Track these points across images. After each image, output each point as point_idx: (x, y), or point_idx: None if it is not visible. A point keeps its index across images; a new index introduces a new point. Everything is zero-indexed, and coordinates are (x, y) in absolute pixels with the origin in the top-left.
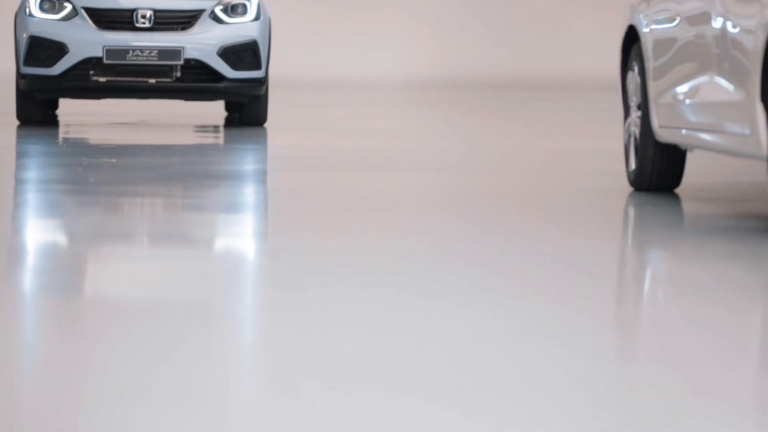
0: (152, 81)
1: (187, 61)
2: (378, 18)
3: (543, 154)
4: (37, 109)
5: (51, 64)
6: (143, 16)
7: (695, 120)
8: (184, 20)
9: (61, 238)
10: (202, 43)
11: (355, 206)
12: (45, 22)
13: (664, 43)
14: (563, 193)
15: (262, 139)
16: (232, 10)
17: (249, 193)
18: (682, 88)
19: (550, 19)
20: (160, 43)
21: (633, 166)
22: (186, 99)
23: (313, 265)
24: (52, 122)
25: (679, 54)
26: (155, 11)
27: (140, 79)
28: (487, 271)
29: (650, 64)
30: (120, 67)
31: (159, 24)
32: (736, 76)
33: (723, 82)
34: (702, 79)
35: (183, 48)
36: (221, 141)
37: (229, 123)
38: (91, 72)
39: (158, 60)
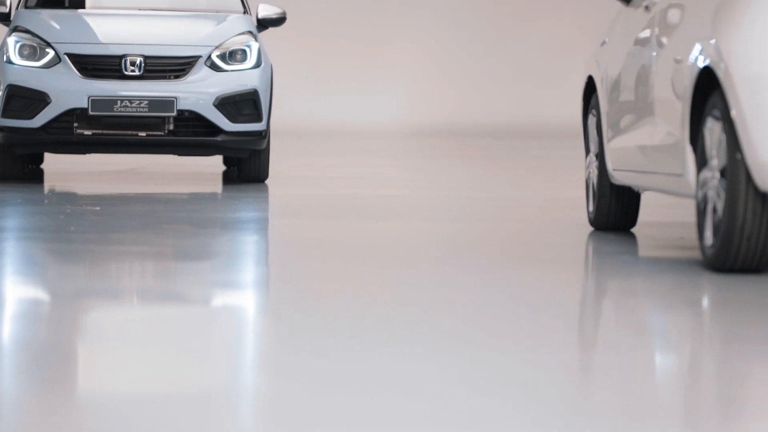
0: (142, 134)
1: (181, 112)
2: (377, 67)
3: (539, 202)
4: (17, 164)
5: (31, 116)
6: (132, 64)
7: (640, 162)
8: (178, 68)
9: (36, 303)
10: (197, 92)
11: (353, 256)
12: (25, 69)
13: (614, 92)
14: (557, 243)
15: (261, 186)
16: (230, 56)
17: (248, 242)
18: (629, 133)
19: (549, 71)
20: (151, 93)
21: (592, 207)
22: (180, 154)
23: (310, 318)
24: (36, 177)
25: (626, 102)
26: (146, 58)
27: (129, 133)
28: (482, 326)
29: (604, 111)
30: (107, 119)
31: (150, 72)
32: (670, 121)
33: (660, 127)
34: (644, 125)
35: (176, 98)
36: (218, 189)
37: (228, 179)
38: (75, 124)
39: (149, 111)
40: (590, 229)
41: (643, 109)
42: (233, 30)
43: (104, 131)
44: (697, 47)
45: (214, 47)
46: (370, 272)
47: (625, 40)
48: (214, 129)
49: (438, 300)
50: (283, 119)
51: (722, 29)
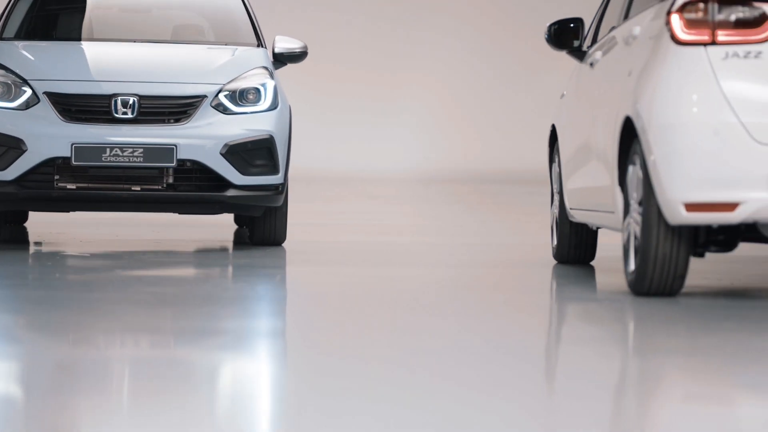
0: (136, 189)
1: (182, 162)
2: (388, 113)
3: (535, 247)
4: None
5: (3, 167)
6: (125, 105)
7: (587, 202)
8: (179, 110)
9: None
10: (201, 139)
11: (347, 304)
12: None
13: (569, 139)
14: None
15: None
16: (241, 96)
17: (262, 292)
18: (579, 176)
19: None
20: (147, 140)
21: (555, 242)
22: (181, 212)
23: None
24: (18, 239)
25: (577, 148)
26: (140, 98)
27: (120, 187)
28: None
29: (563, 157)
30: (93, 170)
31: (145, 114)
32: (605, 165)
33: (599, 170)
34: (589, 169)
35: (176, 146)
36: (228, 242)
37: (239, 239)
38: (56, 177)
39: (144, 162)
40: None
41: (588, 155)
42: (245, 65)
43: (90, 185)
44: (623, 103)
45: (222, 85)
46: (367, 320)
47: (577, 93)
48: (221, 182)
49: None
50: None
51: (640, 88)
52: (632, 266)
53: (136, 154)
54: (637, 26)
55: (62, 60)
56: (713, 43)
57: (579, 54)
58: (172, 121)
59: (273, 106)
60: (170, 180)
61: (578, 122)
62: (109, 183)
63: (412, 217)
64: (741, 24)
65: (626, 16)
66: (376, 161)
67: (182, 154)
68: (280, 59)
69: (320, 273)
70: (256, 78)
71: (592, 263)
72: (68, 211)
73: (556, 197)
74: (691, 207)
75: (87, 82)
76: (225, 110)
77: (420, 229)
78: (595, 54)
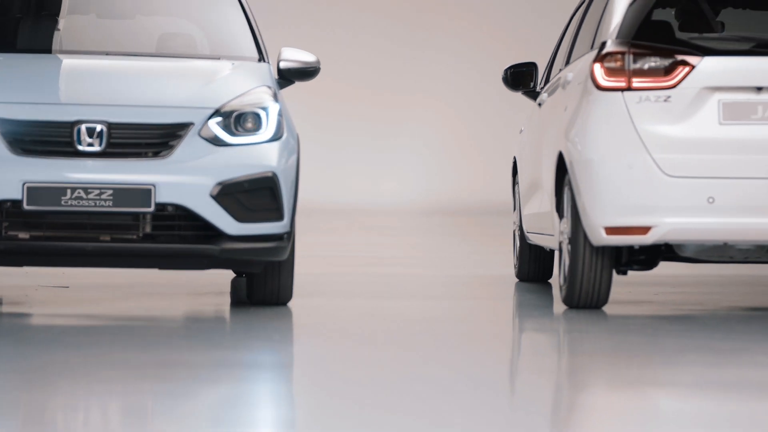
0: (105, 239)
1: (162, 207)
2: (386, 146)
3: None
4: None
5: None
6: (91, 134)
7: (537, 226)
8: (159, 140)
9: None
10: (186, 177)
11: (326, 337)
12: None
13: (524, 170)
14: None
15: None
16: (237, 123)
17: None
18: (532, 203)
19: None
20: (118, 179)
21: (516, 263)
22: (161, 267)
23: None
24: None
25: (530, 178)
26: (110, 126)
27: (85, 237)
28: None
29: (520, 186)
30: (51, 217)
31: (116, 147)
32: (547, 193)
33: (544, 198)
34: (537, 196)
35: (155, 186)
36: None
37: (236, 291)
38: (5, 224)
39: (114, 206)
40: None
41: (537, 184)
42: (243, 84)
43: (47, 235)
44: (558, 139)
45: (213, 110)
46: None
47: (530, 130)
48: (211, 232)
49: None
50: None
51: (569, 127)
52: (563, 281)
53: (104, 196)
54: (571, 72)
55: (15, 77)
56: (629, 88)
57: (533, 94)
58: (149, 154)
59: (277, 136)
60: (147, 229)
61: (531, 156)
62: (71, 232)
63: (405, 249)
64: (652, 72)
65: (568, 62)
66: (378, 192)
67: (162, 197)
68: (287, 76)
69: (295, 306)
70: (255, 100)
71: (549, 281)
72: (20, 266)
73: (517, 223)
74: (610, 230)
75: (44, 105)
76: (217, 141)
77: (409, 261)
78: (543, 95)
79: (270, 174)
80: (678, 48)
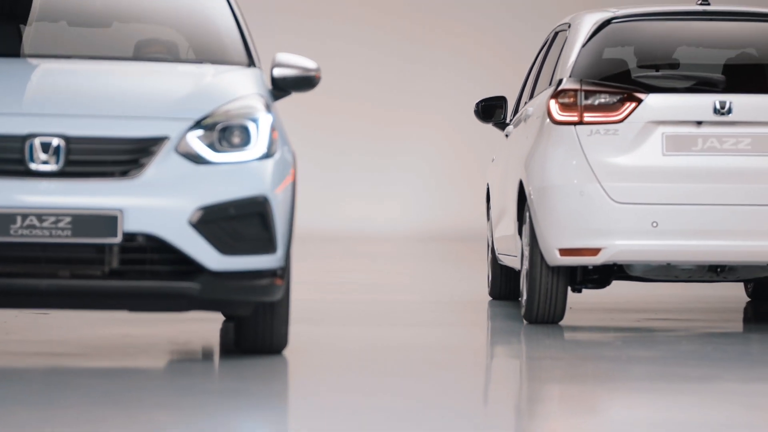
0: (64, 276)
1: (131, 237)
2: (383, 172)
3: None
4: None
5: None
6: (46, 150)
7: (505, 248)
8: (127, 158)
9: None
10: (160, 200)
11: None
12: None
13: (495, 196)
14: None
15: None
16: (221, 137)
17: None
18: (501, 227)
19: None
20: (78, 203)
21: (490, 282)
22: (131, 309)
23: None
24: None
25: (499, 203)
26: (69, 140)
27: (39, 273)
28: None
29: (492, 211)
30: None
31: (77, 164)
32: (512, 218)
33: (509, 222)
34: (505, 220)
35: (122, 212)
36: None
37: (227, 344)
38: None
39: (73, 236)
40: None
41: (505, 209)
42: (229, 93)
43: None
44: (519, 168)
45: (192, 121)
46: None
47: (500, 159)
48: (190, 266)
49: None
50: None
51: (528, 157)
52: (523, 298)
53: (61, 224)
54: (531, 107)
55: None
56: (581, 122)
57: (504, 126)
58: (116, 174)
59: (268, 153)
60: (114, 263)
61: (499, 183)
62: (22, 268)
63: (395, 276)
64: (602, 108)
65: (531, 96)
66: (375, 217)
67: (131, 225)
68: (282, 85)
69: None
70: (244, 110)
71: (520, 299)
72: None
73: (490, 246)
74: (563, 252)
75: None
76: (197, 158)
77: (396, 288)
78: (509, 127)
79: (260, 197)
80: (625, 86)
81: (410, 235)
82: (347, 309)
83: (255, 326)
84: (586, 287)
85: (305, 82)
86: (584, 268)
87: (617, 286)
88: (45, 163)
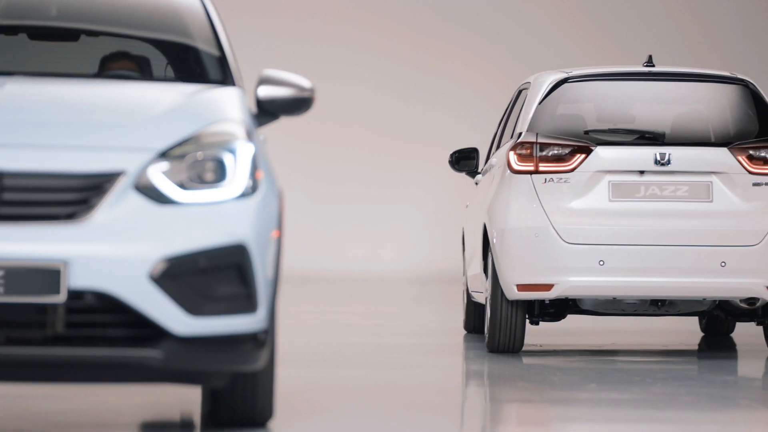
0: None
1: (77, 294)
2: (377, 215)
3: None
4: None
5: None
6: None
7: (475, 285)
8: (73, 197)
9: None
10: (113, 249)
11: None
12: None
13: (468, 238)
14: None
15: None
16: (191, 171)
17: None
18: (472, 266)
19: None
20: (13, 251)
21: (464, 317)
22: (80, 380)
23: None
24: None
25: (471, 245)
26: (2, 176)
27: None
28: None
29: (466, 252)
30: None
31: (11, 205)
32: (478, 259)
33: (477, 261)
34: (474, 261)
35: (66, 263)
36: None
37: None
38: None
39: (6, 294)
40: None
41: (474, 250)
42: (202, 117)
43: None
44: (482, 213)
45: (155, 152)
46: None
47: (472, 204)
48: (151, 330)
49: None
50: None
51: (490, 203)
52: (487, 330)
53: None
54: (495, 158)
55: None
56: (536, 171)
57: (473, 175)
58: (60, 217)
59: (249, 190)
60: (58, 327)
61: (471, 227)
62: None
63: (384, 318)
64: (555, 159)
65: (498, 147)
66: (373, 257)
67: (78, 280)
68: (269, 108)
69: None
70: (219, 138)
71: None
72: None
73: (464, 283)
74: (521, 287)
75: None
76: (160, 197)
77: (380, 329)
78: (479, 176)
79: (238, 246)
80: (576, 139)
81: (408, 276)
82: (331, 350)
83: (233, 397)
84: (543, 320)
85: (297, 104)
86: (541, 302)
87: (571, 320)
88: None
